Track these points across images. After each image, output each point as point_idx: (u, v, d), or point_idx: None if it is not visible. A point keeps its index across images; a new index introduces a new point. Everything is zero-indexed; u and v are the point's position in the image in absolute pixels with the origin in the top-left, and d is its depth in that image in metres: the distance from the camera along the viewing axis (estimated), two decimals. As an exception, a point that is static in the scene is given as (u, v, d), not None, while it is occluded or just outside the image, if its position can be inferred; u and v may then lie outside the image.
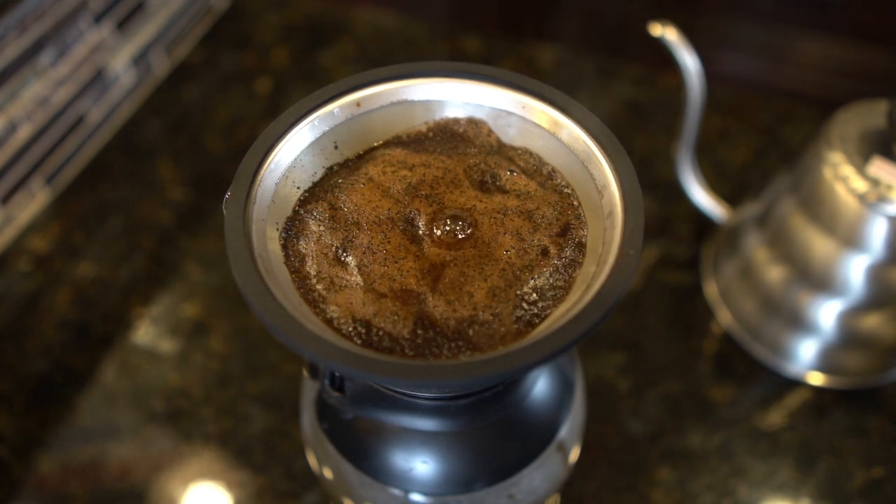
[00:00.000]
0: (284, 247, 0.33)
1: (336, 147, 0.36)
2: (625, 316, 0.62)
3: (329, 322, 0.30)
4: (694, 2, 0.96)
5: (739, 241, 0.61)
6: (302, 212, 0.34)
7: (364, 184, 0.34)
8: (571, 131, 0.35)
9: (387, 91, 0.36)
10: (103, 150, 0.74)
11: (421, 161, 0.35)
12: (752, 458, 0.55)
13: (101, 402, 0.57)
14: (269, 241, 0.32)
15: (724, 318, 0.62)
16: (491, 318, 0.30)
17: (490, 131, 0.37)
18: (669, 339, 0.61)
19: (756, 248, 0.59)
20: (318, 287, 0.31)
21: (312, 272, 0.32)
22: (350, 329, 0.30)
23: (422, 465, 0.39)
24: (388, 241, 0.32)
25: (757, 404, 0.58)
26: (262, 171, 0.33)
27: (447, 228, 0.33)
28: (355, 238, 0.32)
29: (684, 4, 0.94)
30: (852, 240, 0.52)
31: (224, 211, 0.31)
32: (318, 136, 0.35)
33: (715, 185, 0.70)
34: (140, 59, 0.77)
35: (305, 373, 0.41)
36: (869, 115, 0.54)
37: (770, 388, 0.59)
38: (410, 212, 0.34)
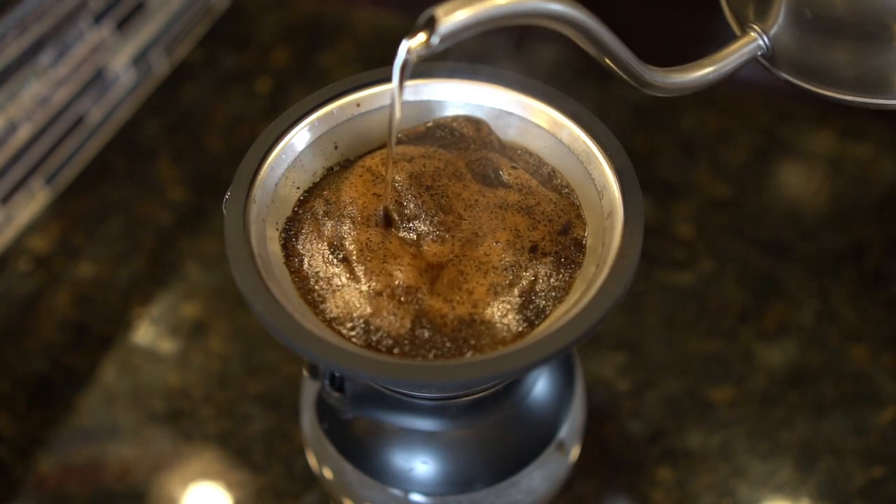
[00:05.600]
0: (284, 247, 0.33)
1: (336, 147, 0.36)
2: (625, 316, 0.62)
3: (329, 322, 0.30)
4: (694, 2, 0.96)
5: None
6: (301, 212, 0.34)
7: (361, 175, 0.34)
8: (571, 131, 0.35)
9: (387, 91, 0.36)
10: (103, 150, 0.74)
11: (421, 153, 0.35)
12: (752, 458, 0.55)
13: (101, 402, 0.57)
14: (268, 242, 0.32)
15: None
16: (490, 317, 0.30)
17: (490, 131, 0.37)
18: (669, 339, 0.61)
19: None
20: (318, 287, 0.31)
21: (312, 272, 0.32)
22: (350, 329, 0.30)
23: (422, 465, 0.39)
24: (389, 240, 0.32)
25: (757, 404, 0.58)
26: (262, 171, 0.33)
27: (447, 224, 0.33)
28: (354, 238, 0.32)
29: (684, 4, 0.94)
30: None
31: (224, 211, 0.31)
32: (318, 136, 0.35)
33: (715, 185, 0.70)
34: (140, 59, 0.77)
35: (305, 373, 0.41)
36: None
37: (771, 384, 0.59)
38: (410, 206, 0.33)
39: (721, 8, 0.38)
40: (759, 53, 0.36)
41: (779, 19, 0.34)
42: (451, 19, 0.25)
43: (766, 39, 0.35)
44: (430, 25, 0.26)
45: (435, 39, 0.26)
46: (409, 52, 0.27)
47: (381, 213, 0.33)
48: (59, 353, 0.60)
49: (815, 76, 0.35)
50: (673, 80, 0.34)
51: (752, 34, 0.35)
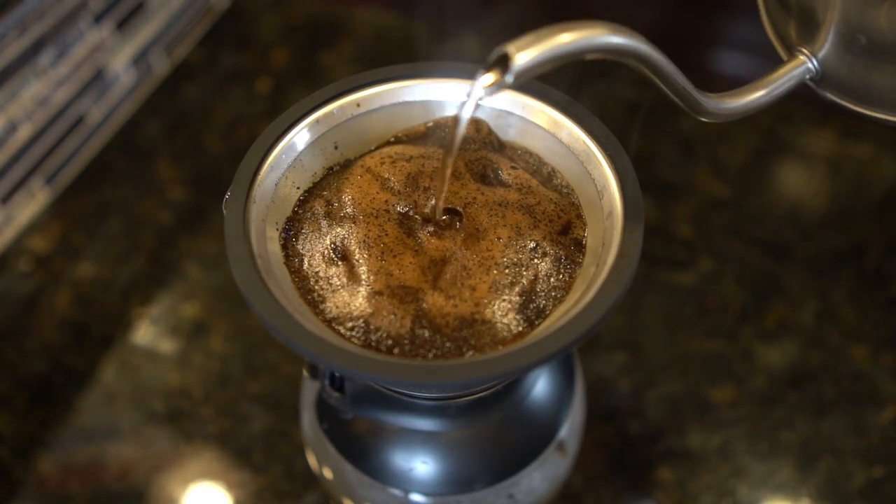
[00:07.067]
0: (284, 247, 0.33)
1: (336, 147, 0.36)
2: (625, 316, 0.62)
3: (329, 322, 0.30)
4: (694, 2, 0.96)
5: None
6: (301, 212, 0.34)
7: (361, 175, 0.34)
8: (571, 131, 0.35)
9: (386, 91, 0.36)
10: (103, 150, 0.74)
11: (420, 153, 0.35)
12: (752, 458, 0.55)
13: (101, 402, 0.57)
14: (268, 242, 0.32)
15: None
16: (491, 316, 0.30)
17: (490, 131, 0.37)
18: (669, 339, 0.61)
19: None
20: (318, 287, 0.31)
21: (312, 272, 0.32)
22: (349, 329, 0.30)
23: (422, 465, 0.39)
24: (387, 235, 0.32)
25: (757, 404, 0.58)
26: (262, 171, 0.33)
27: (448, 223, 0.33)
28: (355, 237, 0.32)
29: (684, 4, 0.94)
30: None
31: (224, 211, 0.31)
32: (318, 136, 0.35)
33: (715, 185, 0.70)
34: (140, 59, 0.77)
35: (305, 373, 0.41)
36: None
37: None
38: (410, 205, 0.33)
39: (762, 22, 0.38)
40: (807, 77, 0.36)
41: (827, 43, 0.34)
42: (524, 57, 0.25)
43: (815, 62, 0.35)
44: (502, 63, 0.26)
45: (509, 78, 0.25)
46: (482, 91, 0.26)
47: (383, 210, 0.33)
48: (59, 353, 0.60)
49: (865, 98, 0.35)
50: (727, 105, 0.34)
51: (801, 57, 0.35)
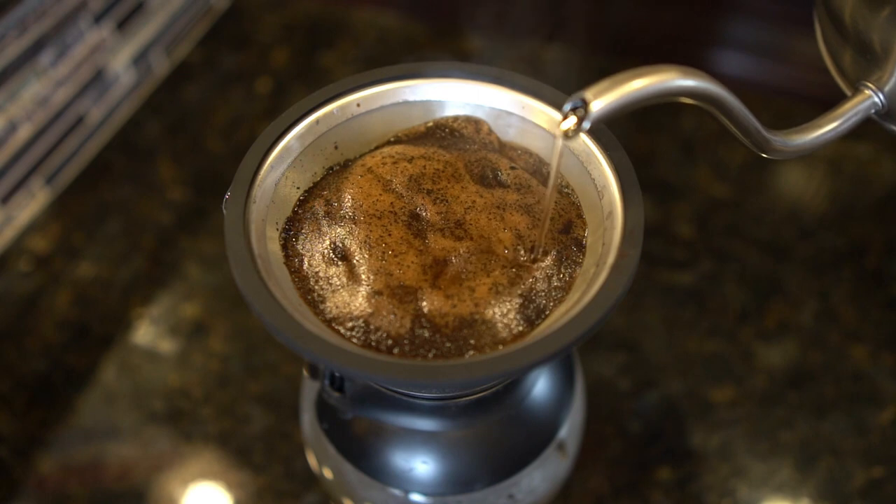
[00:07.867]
0: (284, 247, 0.33)
1: (336, 147, 0.36)
2: (625, 316, 0.62)
3: (329, 322, 0.30)
4: (694, 2, 0.96)
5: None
6: (301, 212, 0.34)
7: (362, 175, 0.34)
8: (571, 131, 0.35)
9: (387, 91, 0.36)
10: (103, 150, 0.74)
11: (420, 153, 0.35)
12: (752, 458, 0.55)
13: (101, 402, 0.57)
14: (268, 242, 0.32)
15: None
16: (491, 316, 0.30)
17: (490, 131, 0.37)
18: (669, 339, 0.61)
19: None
20: (318, 287, 0.31)
21: (312, 272, 0.32)
22: (349, 329, 0.30)
23: (422, 465, 0.39)
24: (390, 236, 0.32)
25: (757, 404, 0.58)
26: (262, 171, 0.33)
27: (448, 223, 0.33)
28: (355, 237, 0.32)
29: (684, 4, 0.94)
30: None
31: (224, 211, 0.31)
32: (318, 136, 0.35)
33: (715, 185, 0.70)
34: (140, 59, 0.77)
35: (305, 373, 0.41)
36: None
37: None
38: (411, 207, 0.33)
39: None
40: (873, 111, 0.36)
41: (893, 78, 0.34)
42: (600, 104, 0.26)
43: (881, 97, 0.35)
44: (579, 108, 0.27)
45: (586, 125, 0.27)
46: (563, 136, 0.28)
47: (384, 211, 0.33)
48: (59, 353, 0.60)
49: None
50: (794, 142, 0.34)
51: (867, 92, 0.35)
